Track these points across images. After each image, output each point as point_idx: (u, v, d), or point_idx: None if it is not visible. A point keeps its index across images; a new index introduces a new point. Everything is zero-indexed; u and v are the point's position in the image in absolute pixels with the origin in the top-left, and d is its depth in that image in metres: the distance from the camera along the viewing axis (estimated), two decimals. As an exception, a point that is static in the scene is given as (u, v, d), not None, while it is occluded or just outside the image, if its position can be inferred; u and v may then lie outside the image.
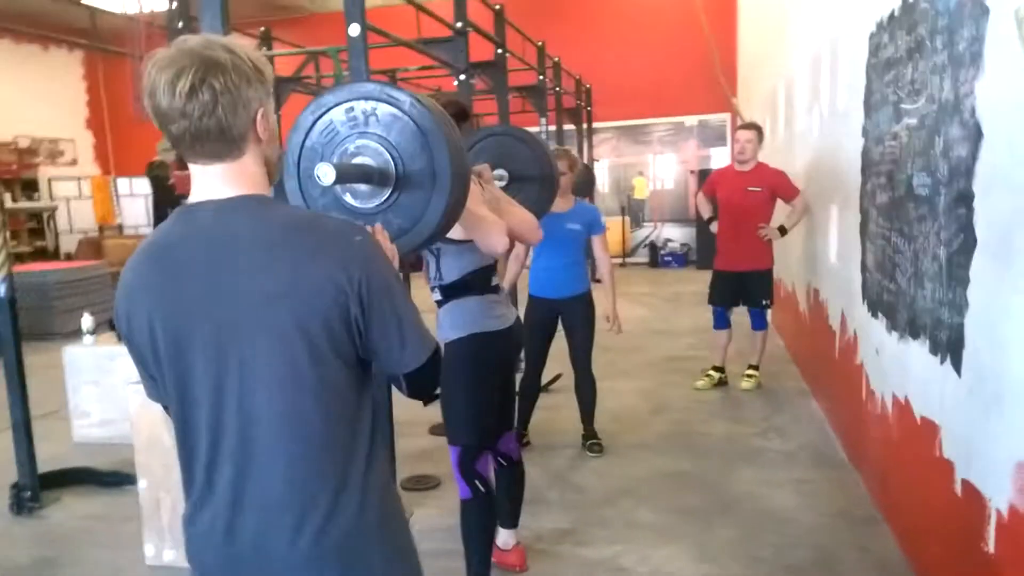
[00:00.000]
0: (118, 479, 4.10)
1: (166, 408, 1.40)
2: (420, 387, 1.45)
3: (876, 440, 3.53)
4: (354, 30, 3.38)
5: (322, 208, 1.84)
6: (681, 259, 12.80)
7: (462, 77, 5.16)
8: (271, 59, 6.68)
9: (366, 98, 1.79)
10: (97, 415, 4.85)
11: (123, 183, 12.60)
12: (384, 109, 1.78)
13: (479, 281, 2.70)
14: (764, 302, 5.42)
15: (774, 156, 6.47)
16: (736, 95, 11.76)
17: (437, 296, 2.74)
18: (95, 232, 13.08)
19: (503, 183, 3.42)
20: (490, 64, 6.16)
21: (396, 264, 1.54)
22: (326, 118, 1.81)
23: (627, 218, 13.29)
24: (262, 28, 7.25)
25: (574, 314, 4.33)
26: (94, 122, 14.11)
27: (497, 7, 6.13)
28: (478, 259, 2.64)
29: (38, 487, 4.00)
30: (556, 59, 9.52)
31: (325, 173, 1.64)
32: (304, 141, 1.83)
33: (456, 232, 2.34)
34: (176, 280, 1.29)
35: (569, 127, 10.98)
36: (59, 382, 5.09)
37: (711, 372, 5.62)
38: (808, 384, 5.48)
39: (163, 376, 1.33)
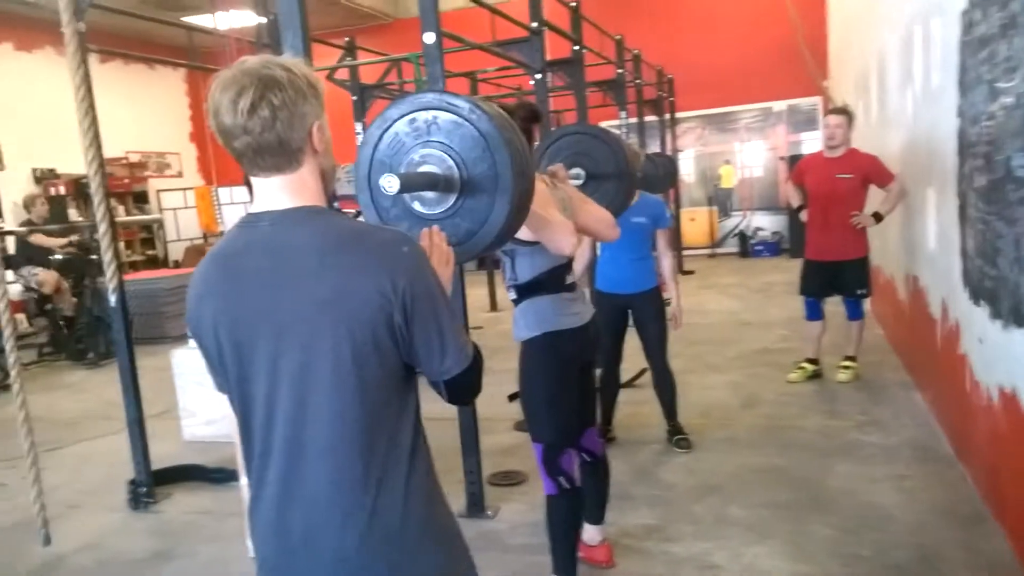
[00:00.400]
0: (224, 475, 4.30)
1: (232, 402, 1.48)
2: (459, 393, 1.51)
3: (983, 433, 3.38)
4: (429, 38, 3.45)
5: (394, 217, 1.91)
6: (773, 248, 12.50)
7: (538, 76, 5.19)
8: (355, 68, 6.87)
9: (426, 108, 1.84)
10: (203, 414, 5.08)
11: (224, 192, 13.12)
12: (445, 117, 1.83)
13: (553, 280, 2.72)
14: (860, 291, 5.24)
15: (867, 139, 6.28)
16: (827, 77, 11.40)
17: (512, 295, 2.77)
18: (200, 240, 13.68)
19: (580, 182, 3.44)
20: (567, 61, 6.16)
21: (451, 267, 1.60)
22: (391, 131, 1.88)
23: (714, 208, 13.07)
24: (346, 38, 7.44)
25: (644, 310, 4.30)
26: (197, 135, 14.75)
27: (573, 4, 6.12)
28: (551, 259, 2.66)
29: (152, 483, 4.22)
30: (636, 52, 9.43)
31: (389, 183, 1.71)
32: (373, 155, 1.90)
33: (524, 233, 2.37)
34: (237, 286, 1.38)
35: (651, 119, 10.86)
36: (169, 383, 5.36)
37: (804, 364, 5.45)
38: (910, 375, 5.29)
39: (226, 374, 1.43)
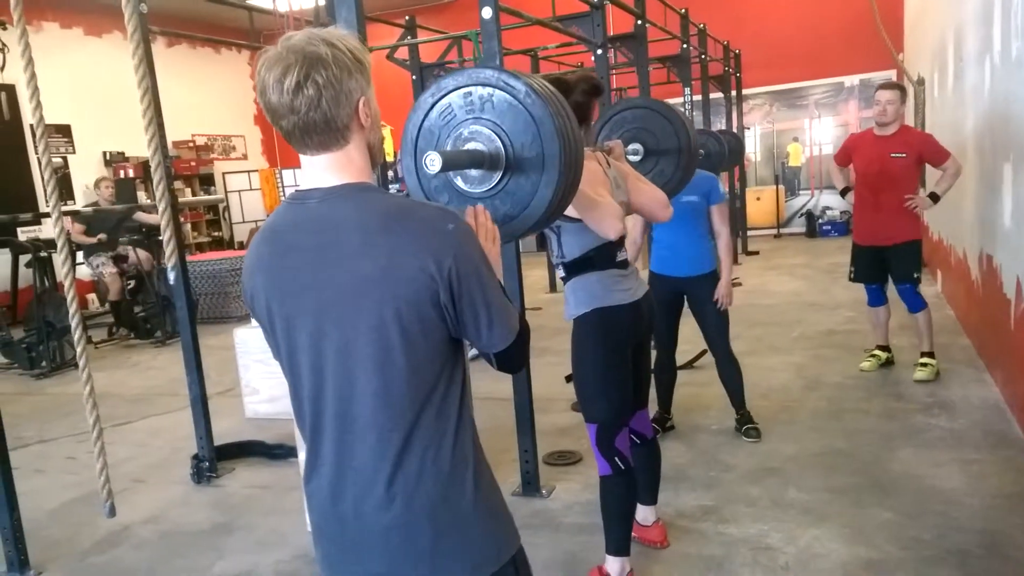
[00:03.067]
0: (284, 451, 4.39)
1: (285, 373, 1.51)
2: (508, 365, 1.52)
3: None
4: (487, 12, 3.42)
5: (434, 188, 1.91)
6: (842, 228, 12.14)
7: (600, 52, 5.11)
8: (414, 47, 6.88)
9: (484, 84, 1.83)
10: (265, 392, 5.18)
11: (288, 174, 13.34)
12: (500, 95, 1.81)
13: (602, 256, 2.66)
14: (915, 275, 4.86)
15: (943, 112, 6.03)
16: (902, 51, 10.99)
17: (561, 273, 2.73)
18: (264, 221, 13.96)
19: (638, 157, 3.38)
20: (630, 36, 6.06)
21: (498, 245, 1.60)
22: (445, 101, 1.87)
23: (781, 187, 12.75)
24: (407, 17, 7.45)
25: (701, 295, 4.10)
26: (261, 118, 14.98)
27: (636, -23, 6.01)
28: (600, 235, 2.60)
29: (215, 459, 4.33)
30: (701, 25, 9.23)
31: (432, 161, 1.69)
32: (423, 122, 1.89)
33: (570, 211, 2.34)
34: (285, 261, 1.40)
35: (716, 95, 10.63)
36: (233, 362, 5.48)
37: (876, 352, 5.15)
38: (981, 357, 5.09)
39: (278, 351, 1.46)
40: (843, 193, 5.29)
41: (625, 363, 2.73)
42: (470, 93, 1.84)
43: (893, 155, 4.80)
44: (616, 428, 2.71)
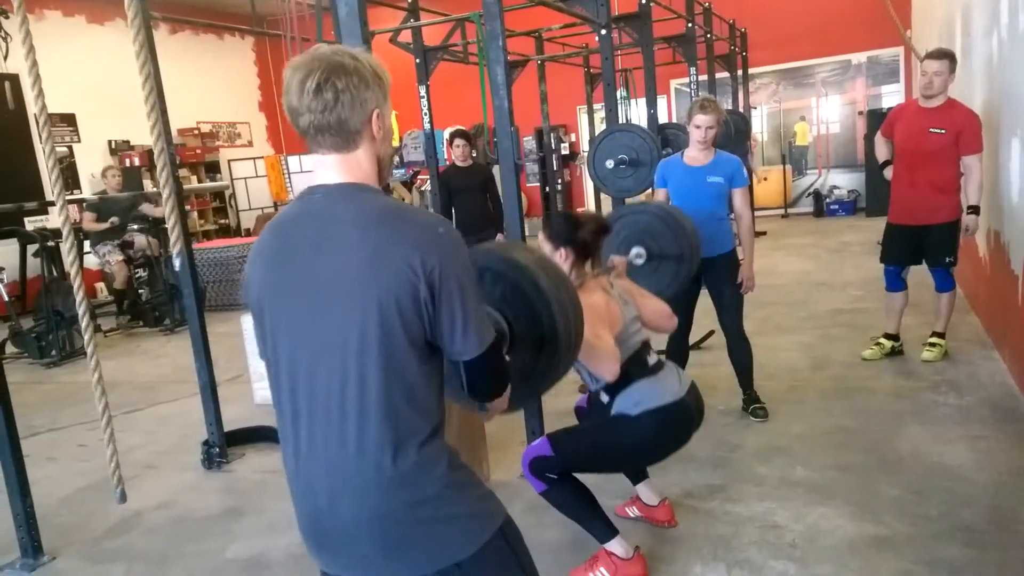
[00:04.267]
0: (292, 437, 4.41)
1: (267, 366, 1.55)
2: (477, 378, 1.53)
3: (1064, 394, 3.22)
4: (489, -7, 3.40)
5: None
6: (849, 207, 12.09)
7: (604, 32, 5.08)
8: (418, 30, 6.84)
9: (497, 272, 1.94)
10: (274, 378, 5.20)
11: (293, 161, 13.33)
12: (502, 269, 1.93)
13: (636, 366, 2.69)
14: (948, 259, 4.65)
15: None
16: (909, 27, 10.88)
17: (605, 398, 2.73)
18: (271, 208, 13.95)
19: (641, 260, 3.52)
20: (634, 16, 6.01)
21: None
22: None
23: (788, 166, 12.68)
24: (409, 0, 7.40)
25: (719, 275, 4.09)
26: (265, 104, 14.97)
27: (639, -44, 5.95)
28: (625, 347, 2.63)
29: (225, 444, 4.36)
30: (706, 4, 9.15)
31: None
32: None
33: None
34: (283, 249, 1.46)
35: (722, 75, 10.55)
36: (242, 349, 5.51)
37: (882, 340, 4.94)
38: (989, 334, 5.07)
39: (263, 338, 1.50)
40: (883, 167, 4.99)
41: (636, 466, 2.97)
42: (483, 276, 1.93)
43: (932, 130, 4.51)
44: (559, 474, 2.73)
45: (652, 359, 2.76)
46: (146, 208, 8.37)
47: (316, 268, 1.41)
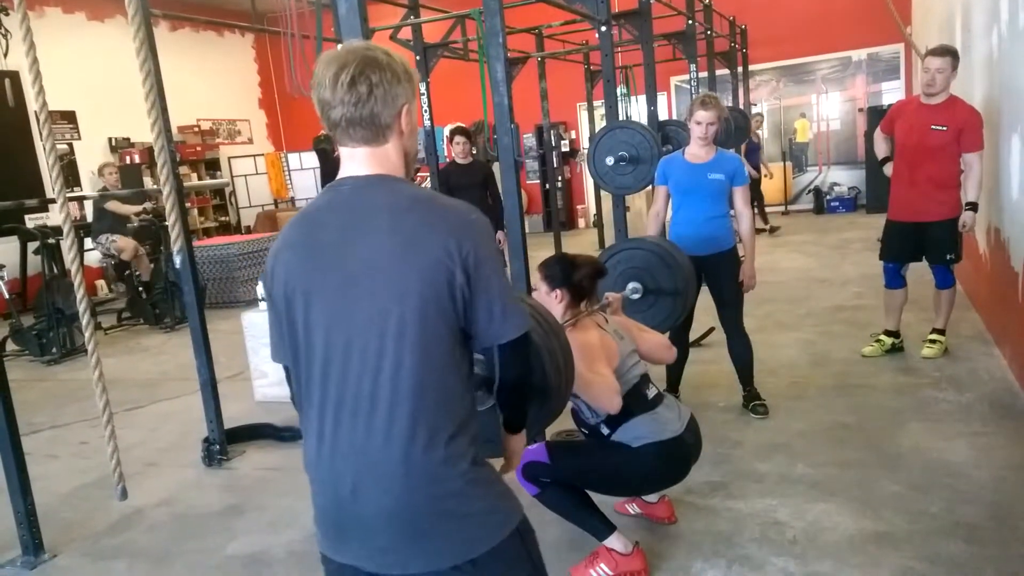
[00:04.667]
0: (294, 434, 4.41)
1: (286, 369, 1.55)
2: (512, 363, 1.53)
3: (1064, 390, 3.23)
4: (488, -10, 3.40)
5: None
6: (849, 203, 12.09)
7: (604, 29, 5.07)
8: (418, 27, 6.84)
9: None
10: (274, 375, 5.19)
11: (293, 158, 13.34)
12: None
13: (636, 400, 2.69)
14: (949, 256, 4.62)
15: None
16: (910, 24, 10.87)
17: (605, 431, 2.73)
18: (271, 205, 13.95)
19: (637, 295, 3.56)
20: (634, 13, 6.00)
21: None
22: None
23: (789, 163, 12.68)
24: (409, -3, 7.40)
25: (719, 272, 4.08)
26: (265, 101, 14.97)
27: (640, -47, 5.94)
28: (623, 383, 2.64)
29: (225, 441, 4.36)
30: (706, 1, 9.14)
31: None
32: None
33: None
34: (313, 238, 1.46)
35: (722, 72, 10.54)
36: (242, 346, 5.51)
37: (882, 337, 4.93)
38: (989, 331, 5.07)
39: (291, 328, 1.48)
40: (883, 163, 4.97)
41: (627, 494, 3.01)
42: None
43: (933, 127, 4.49)
44: (552, 481, 2.76)
45: (651, 392, 2.77)
46: (111, 206, 8.37)
47: (349, 255, 1.42)
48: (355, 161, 1.48)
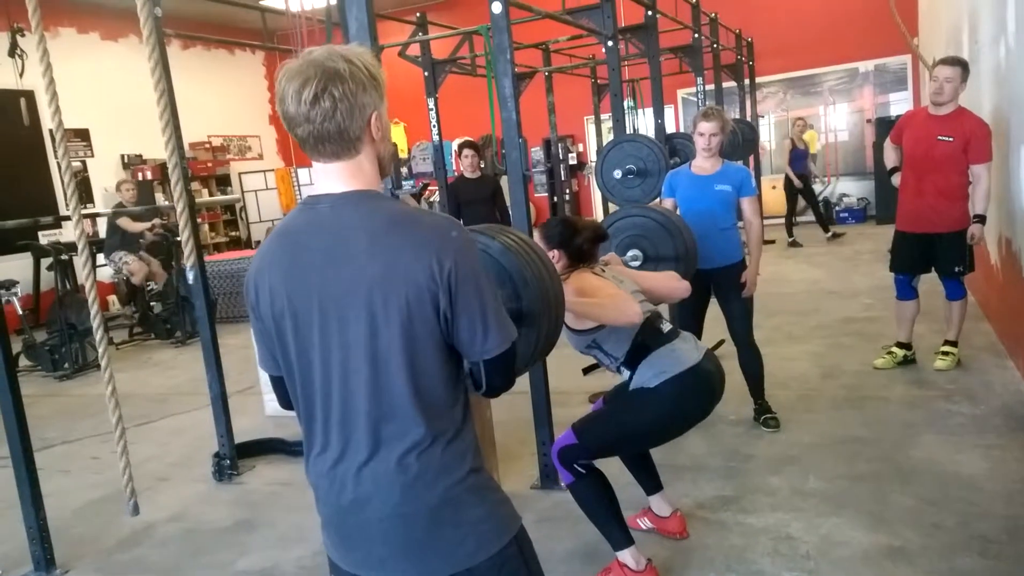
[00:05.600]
0: (303, 449, 4.42)
1: (273, 378, 1.58)
2: (498, 375, 1.52)
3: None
4: (496, 7, 3.43)
5: None
6: (859, 215, 12.06)
7: (610, 44, 5.09)
8: (426, 43, 6.89)
9: None
10: (285, 389, 5.21)
11: (303, 173, 13.39)
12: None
13: (651, 335, 2.68)
14: (957, 268, 4.59)
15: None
16: (916, 35, 10.87)
17: (626, 373, 2.72)
18: (280, 220, 14.02)
19: (637, 263, 3.53)
20: (641, 27, 6.02)
21: None
22: None
23: (798, 175, 12.65)
24: (418, 14, 7.45)
25: (728, 285, 4.08)
26: (275, 118, 14.86)
27: (646, -33, 5.97)
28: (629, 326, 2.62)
29: (236, 456, 4.37)
30: (712, 15, 9.18)
31: None
32: None
33: (587, 323, 2.47)
34: (296, 261, 1.45)
35: (729, 84, 10.57)
36: (252, 360, 5.52)
37: (894, 348, 4.89)
38: (1002, 342, 5.05)
39: (284, 347, 1.49)
40: (891, 173, 4.94)
41: (660, 440, 2.87)
42: None
43: (940, 137, 4.48)
44: (589, 459, 2.74)
45: (666, 327, 2.74)
46: (122, 222, 8.44)
47: (333, 279, 1.41)
48: (329, 177, 1.45)
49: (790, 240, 10.35)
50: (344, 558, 1.54)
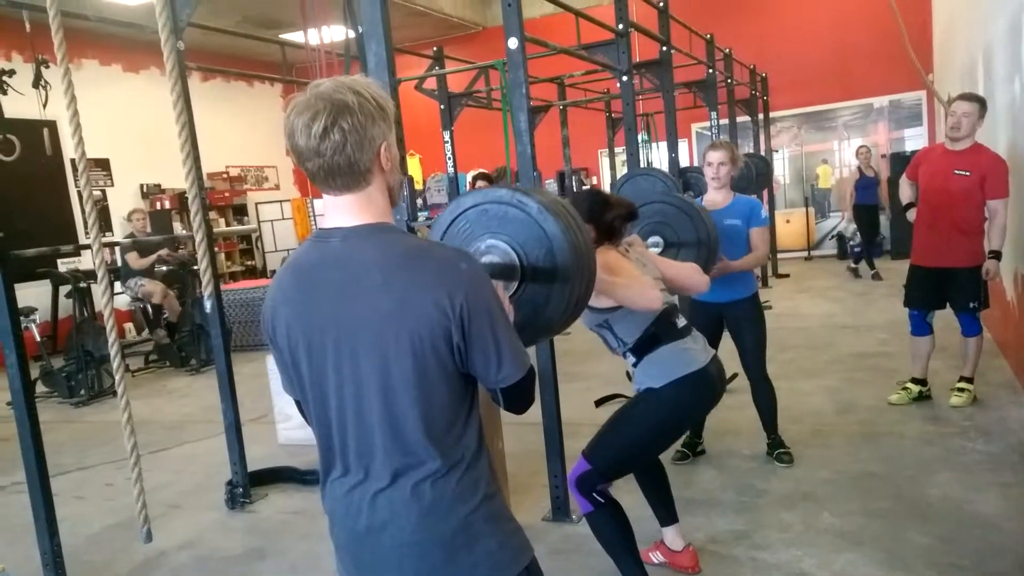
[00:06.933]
0: (316, 477, 4.36)
1: (298, 403, 1.60)
2: (515, 401, 1.56)
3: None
4: (512, 43, 3.48)
5: None
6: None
7: (625, 79, 5.15)
8: (442, 77, 6.98)
9: (499, 202, 1.95)
10: (298, 418, 5.13)
11: (319, 203, 13.46)
12: (515, 212, 1.93)
13: (664, 328, 2.69)
14: (972, 304, 4.57)
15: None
16: (931, 72, 10.91)
17: (631, 360, 2.74)
18: (292, 252, 14.12)
19: (658, 249, 3.52)
20: (655, 63, 6.10)
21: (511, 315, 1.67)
22: (463, 218, 2.00)
23: (811, 209, 12.68)
24: (434, 48, 7.57)
25: (740, 318, 4.08)
26: (292, 149, 15.23)
27: (660, 4, 6.06)
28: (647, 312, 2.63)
29: (248, 484, 4.37)
30: (727, 50, 9.26)
31: None
32: (443, 236, 2.03)
33: (609, 301, 2.45)
34: (311, 296, 1.47)
35: (743, 119, 10.62)
36: (266, 389, 5.55)
37: (909, 384, 4.87)
38: (1019, 379, 5.01)
39: (300, 377, 1.52)
40: (906, 209, 4.96)
41: (669, 443, 2.84)
42: (486, 210, 1.96)
43: (957, 172, 4.47)
44: (607, 481, 2.75)
45: (680, 322, 2.74)
46: (129, 259, 8.58)
47: (346, 314, 1.43)
48: (340, 210, 1.46)
49: (872, 273, 9.88)
50: None
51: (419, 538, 1.46)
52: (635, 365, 2.71)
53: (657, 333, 2.66)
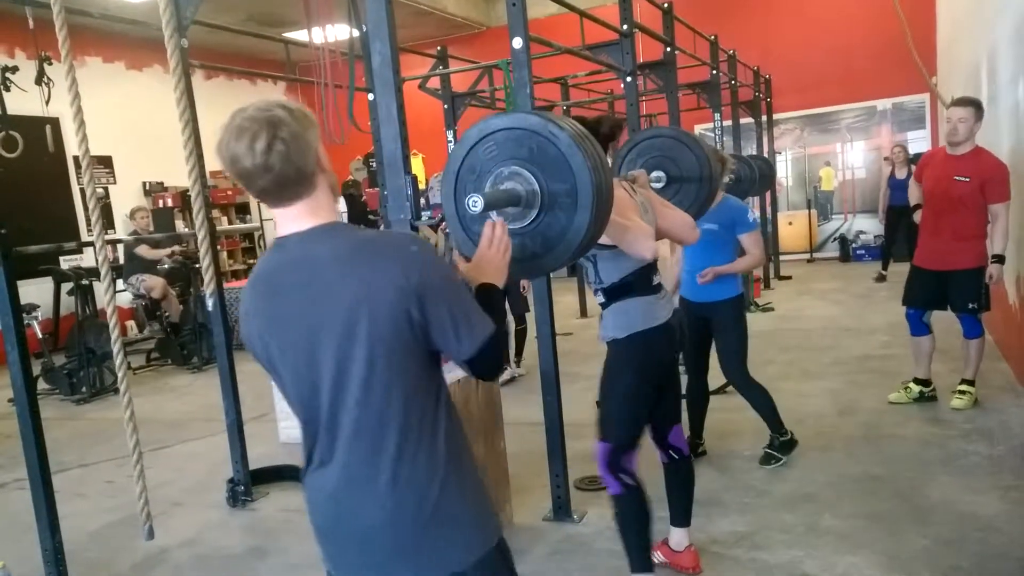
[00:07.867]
0: (316, 477, 4.43)
1: (289, 398, 1.64)
2: (481, 369, 1.63)
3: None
4: (517, 43, 3.49)
5: (470, 217, 2.08)
6: (876, 252, 11.98)
7: (629, 79, 5.15)
8: (446, 76, 6.99)
9: (530, 131, 1.98)
10: (299, 417, 5.23)
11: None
12: (543, 142, 1.96)
13: (640, 282, 2.74)
14: (971, 305, 4.59)
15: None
16: (935, 74, 10.90)
17: (600, 299, 2.80)
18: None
19: (661, 184, 3.48)
20: (659, 63, 6.09)
21: (508, 256, 1.81)
22: (490, 139, 2.02)
23: (814, 211, 12.67)
24: (438, 47, 7.57)
25: (719, 319, 4.07)
26: (295, 147, 15.23)
27: (665, 5, 6.05)
28: (636, 261, 2.66)
29: (250, 482, 4.38)
30: (731, 52, 9.25)
31: (475, 203, 1.88)
32: (466, 156, 2.05)
33: (604, 239, 2.42)
34: (275, 302, 1.54)
35: (747, 121, 10.61)
36: (268, 387, 5.54)
37: (910, 384, 4.91)
38: (1020, 382, 5.00)
39: (280, 380, 1.59)
40: (914, 209, 5.01)
41: (653, 391, 2.81)
42: (517, 138, 1.99)
43: (956, 178, 4.50)
44: (629, 449, 2.78)
45: (656, 279, 2.81)
46: (141, 251, 8.57)
47: (311, 312, 1.49)
48: (293, 218, 1.53)
49: (878, 275, 9.85)
50: (339, 567, 1.62)
51: (395, 518, 1.51)
52: (603, 306, 2.79)
53: (633, 283, 2.72)
